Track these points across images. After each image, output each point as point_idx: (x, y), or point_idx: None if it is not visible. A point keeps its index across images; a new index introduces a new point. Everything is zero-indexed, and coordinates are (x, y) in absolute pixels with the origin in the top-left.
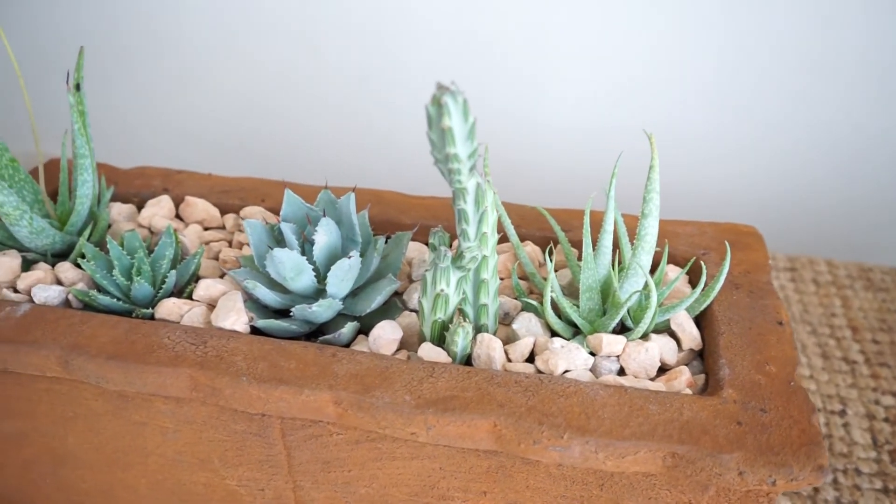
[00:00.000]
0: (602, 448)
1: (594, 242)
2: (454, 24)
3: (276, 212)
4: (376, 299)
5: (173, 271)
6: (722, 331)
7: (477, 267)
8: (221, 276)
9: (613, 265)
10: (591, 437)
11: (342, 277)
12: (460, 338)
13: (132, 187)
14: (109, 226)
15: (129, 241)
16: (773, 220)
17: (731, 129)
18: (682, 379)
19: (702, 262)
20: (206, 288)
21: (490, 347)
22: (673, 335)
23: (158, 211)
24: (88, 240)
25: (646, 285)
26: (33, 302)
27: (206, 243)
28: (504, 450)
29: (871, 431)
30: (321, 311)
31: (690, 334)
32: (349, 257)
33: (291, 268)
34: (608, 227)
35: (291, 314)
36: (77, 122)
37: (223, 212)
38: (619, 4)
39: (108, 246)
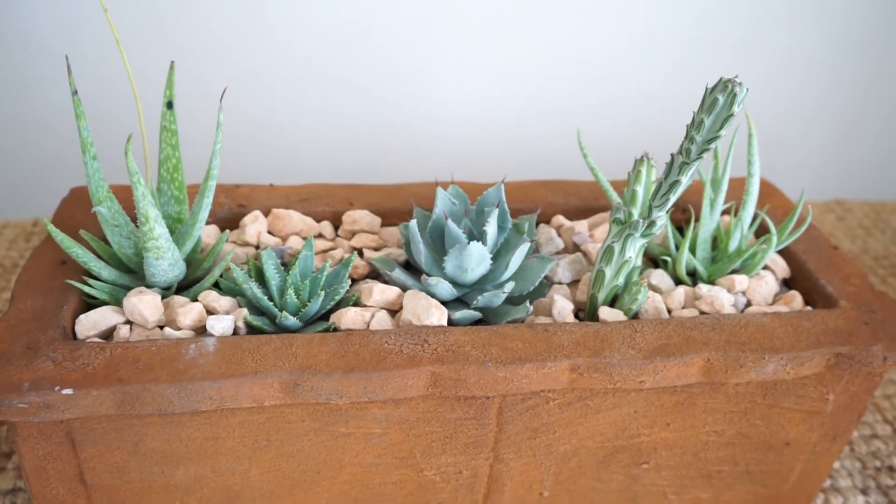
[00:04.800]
0: (790, 361)
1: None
2: (338, 15)
3: (375, 212)
4: (538, 278)
5: (347, 281)
6: (804, 259)
7: None
8: (355, 281)
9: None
10: (784, 353)
11: (518, 263)
12: (641, 296)
13: None
14: (202, 249)
15: (263, 259)
16: None
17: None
18: (798, 300)
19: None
20: (382, 292)
21: (656, 301)
22: (767, 269)
23: (261, 227)
24: (205, 266)
25: (769, 232)
26: (210, 335)
27: (324, 252)
28: (707, 380)
29: None
30: (504, 296)
31: (782, 267)
32: (529, 241)
33: (476, 259)
34: (724, 188)
35: (476, 303)
36: (217, 141)
37: (315, 220)
38: None
39: (266, 266)
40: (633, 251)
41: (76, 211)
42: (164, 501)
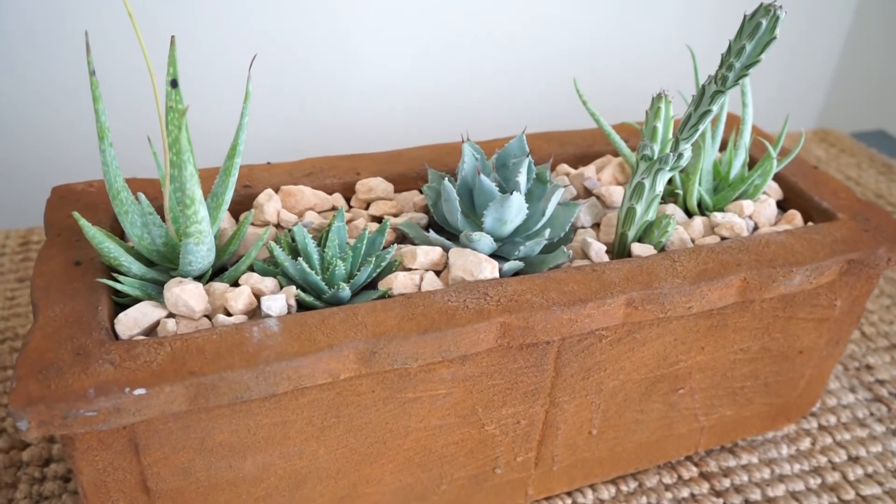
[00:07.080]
0: (813, 271)
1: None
2: None
3: (388, 179)
4: (567, 224)
5: (392, 247)
6: (795, 181)
7: None
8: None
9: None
10: (808, 265)
11: (552, 210)
12: (671, 228)
13: None
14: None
15: (299, 235)
16: None
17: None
18: (799, 218)
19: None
20: (426, 254)
21: (680, 232)
22: (764, 193)
23: (277, 205)
24: (230, 249)
25: (769, 157)
26: (268, 316)
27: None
28: (743, 298)
29: None
30: (544, 243)
31: (775, 189)
32: (562, 187)
33: (516, 210)
34: (723, 120)
35: (518, 253)
36: (244, 114)
37: (327, 193)
38: None
39: (306, 241)
40: (662, 185)
41: (69, 209)
42: (231, 497)
